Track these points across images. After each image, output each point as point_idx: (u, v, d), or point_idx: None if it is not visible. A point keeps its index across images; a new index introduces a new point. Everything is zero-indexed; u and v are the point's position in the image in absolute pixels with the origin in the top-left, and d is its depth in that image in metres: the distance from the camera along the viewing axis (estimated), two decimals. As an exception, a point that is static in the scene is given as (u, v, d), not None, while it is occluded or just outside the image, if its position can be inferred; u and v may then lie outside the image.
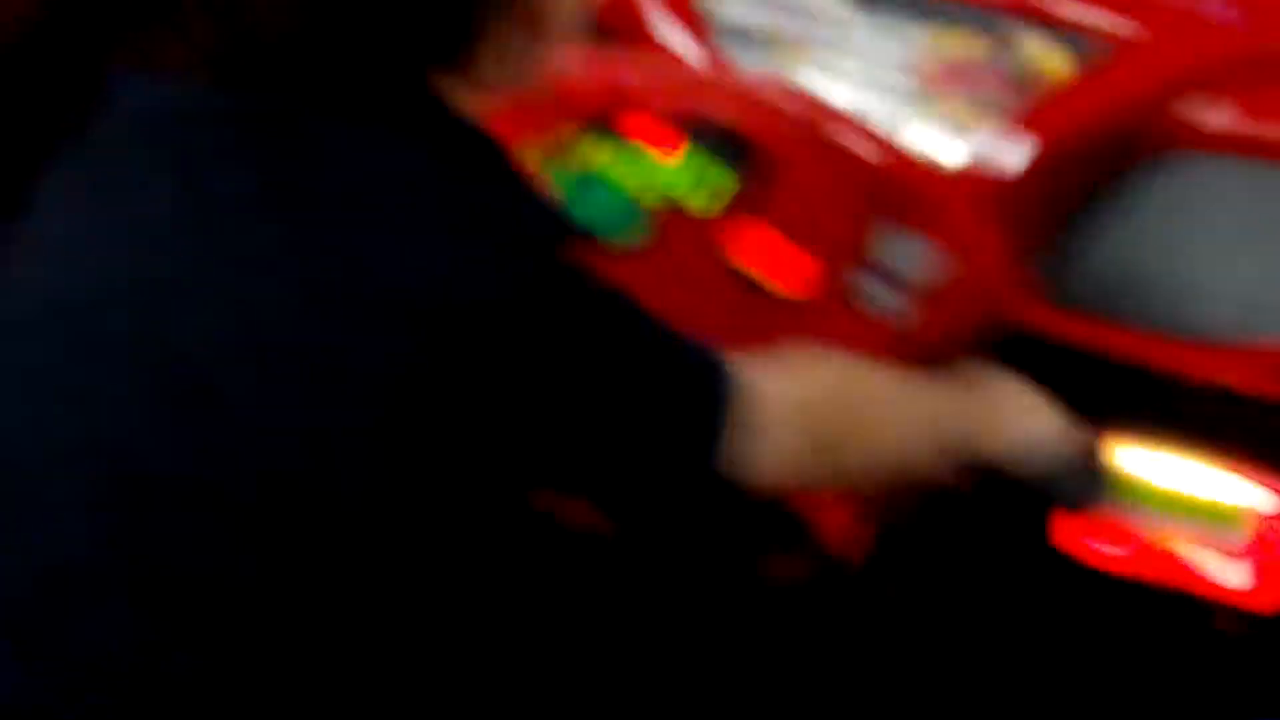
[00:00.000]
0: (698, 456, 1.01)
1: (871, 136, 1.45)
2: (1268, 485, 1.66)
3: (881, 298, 1.31)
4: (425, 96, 0.96)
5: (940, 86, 1.58)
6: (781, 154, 1.33)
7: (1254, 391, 1.58)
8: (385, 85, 0.94)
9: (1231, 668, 1.86)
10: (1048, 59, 1.58)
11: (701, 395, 1.01)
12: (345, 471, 0.90)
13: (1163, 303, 1.57)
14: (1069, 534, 1.64)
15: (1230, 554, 1.68)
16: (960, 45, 1.60)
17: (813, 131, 1.39)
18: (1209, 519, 1.68)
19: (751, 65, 1.58)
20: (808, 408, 1.07)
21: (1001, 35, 1.60)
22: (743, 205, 1.29)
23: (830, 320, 1.29)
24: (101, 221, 0.98)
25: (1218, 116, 1.59)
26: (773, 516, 1.41)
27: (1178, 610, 1.77)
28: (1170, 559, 1.69)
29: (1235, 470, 1.66)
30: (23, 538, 0.93)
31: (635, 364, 0.98)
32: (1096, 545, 1.71)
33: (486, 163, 0.97)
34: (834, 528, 1.49)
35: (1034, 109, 1.56)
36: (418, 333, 0.90)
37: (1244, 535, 1.67)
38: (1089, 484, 1.33)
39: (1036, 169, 1.54)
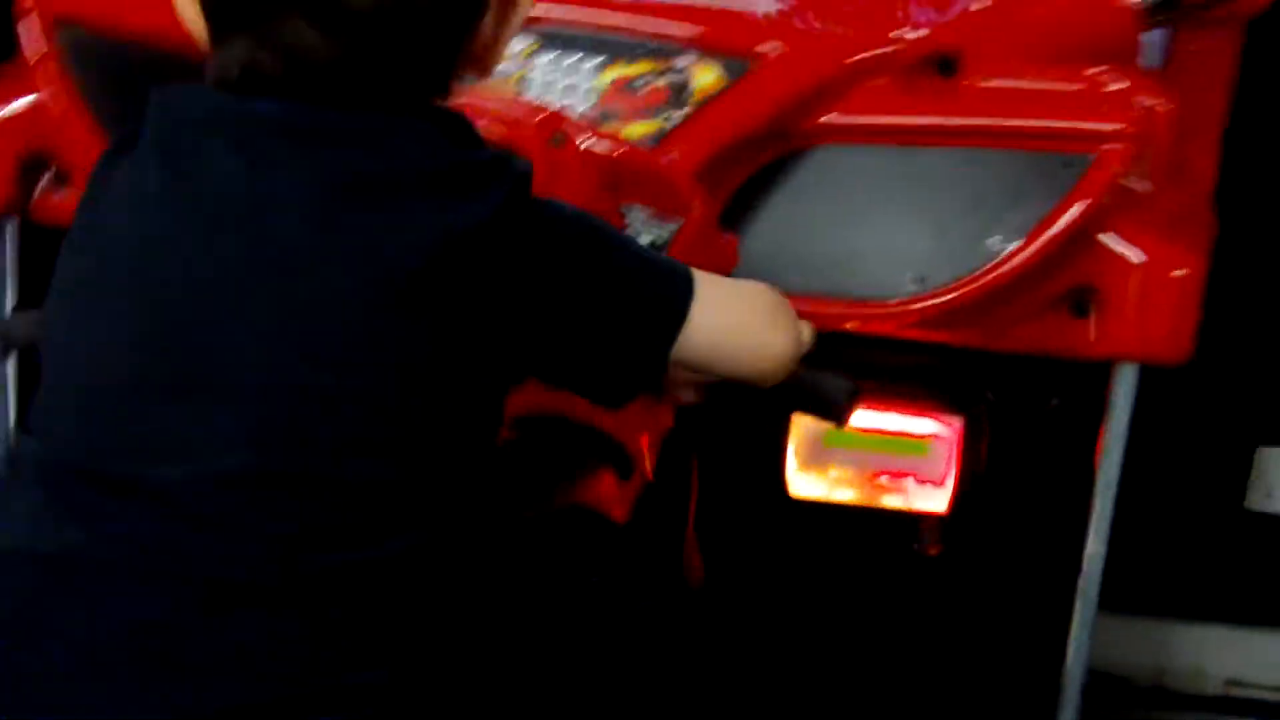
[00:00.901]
0: (663, 331, 1.28)
1: (605, 134, 1.67)
2: (936, 416, 1.93)
3: None
4: (423, 95, 1.25)
5: (613, 103, 1.82)
6: (537, 153, 1.54)
7: (911, 337, 1.85)
8: (400, 89, 1.22)
9: (934, 585, 2.11)
10: (703, 75, 1.85)
11: (660, 267, 1.30)
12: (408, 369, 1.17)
13: (821, 270, 1.81)
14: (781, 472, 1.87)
15: (922, 480, 1.94)
16: (628, 70, 1.85)
17: (561, 129, 1.61)
18: (899, 450, 1.94)
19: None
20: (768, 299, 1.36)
21: (664, 59, 1.84)
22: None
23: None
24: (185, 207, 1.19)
25: (849, 113, 1.86)
26: (586, 439, 1.61)
27: (885, 536, 2.02)
28: (873, 490, 1.94)
29: (910, 406, 1.93)
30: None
31: (606, 259, 1.27)
32: (806, 480, 1.95)
33: (467, 132, 1.25)
34: (642, 450, 1.70)
35: (695, 115, 1.80)
36: (437, 252, 1.17)
37: (930, 462, 1.93)
38: (841, 388, 1.48)
39: (703, 164, 1.76)
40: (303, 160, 1.17)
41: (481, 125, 1.36)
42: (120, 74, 1.92)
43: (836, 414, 1.48)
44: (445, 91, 1.27)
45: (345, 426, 1.15)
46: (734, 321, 1.33)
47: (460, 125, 1.25)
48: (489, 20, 1.27)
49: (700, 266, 1.53)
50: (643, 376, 1.29)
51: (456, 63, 1.26)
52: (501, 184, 1.21)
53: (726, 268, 1.64)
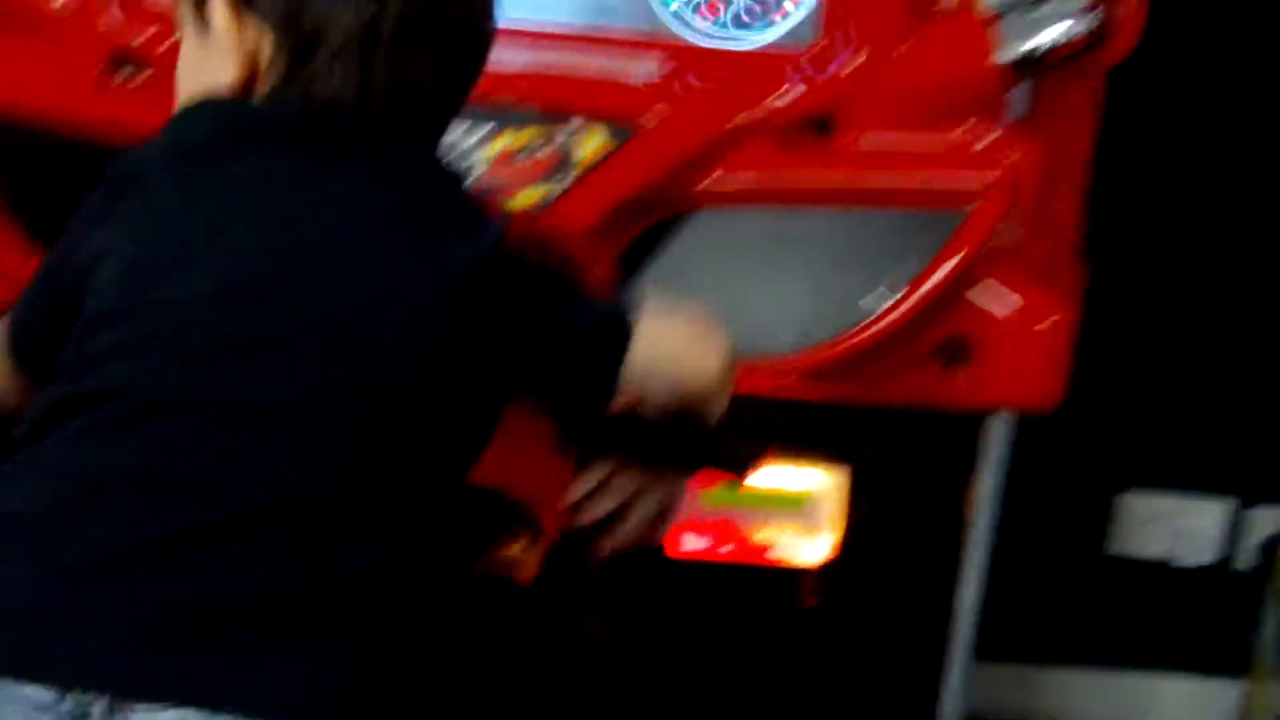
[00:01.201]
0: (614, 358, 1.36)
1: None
2: (817, 467, 1.97)
3: None
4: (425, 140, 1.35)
5: (501, 173, 1.85)
6: None
7: (789, 396, 1.90)
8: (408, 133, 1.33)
9: (816, 635, 2.15)
10: (588, 142, 1.89)
11: (616, 315, 1.38)
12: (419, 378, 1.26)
13: None
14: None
15: (805, 532, 1.98)
16: (516, 139, 1.89)
17: None
18: (781, 505, 1.98)
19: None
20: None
21: (550, 126, 1.88)
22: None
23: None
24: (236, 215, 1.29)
25: (729, 176, 1.91)
26: (502, 506, 1.64)
27: (766, 589, 2.06)
28: (755, 544, 1.98)
29: (792, 461, 1.98)
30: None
31: (570, 293, 1.36)
32: (691, 539, 1.98)
33: (461, 179, 1.36)
34: (551, 514, 1.72)
35: (580, 182, 1.85)
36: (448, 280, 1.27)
37: (809, 515, 1.97)
38: (747, 444, 1.54)
39: (589, 229, 1.82)
40: (357, 171, 1.29)
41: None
42: (10, 155, 1.93)
43: (739, 468, 1.52)
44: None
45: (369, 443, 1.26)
46: (666, 348, 1.41)
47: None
48: None
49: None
50: (606, 393, 1.38)
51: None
52: (496, 220, 1.34)
53: None
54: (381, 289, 1.26)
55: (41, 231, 1.89)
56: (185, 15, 1.36)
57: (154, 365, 1.25)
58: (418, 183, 1.32)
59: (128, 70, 1.91)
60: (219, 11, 1.33)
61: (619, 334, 1.36)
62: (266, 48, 1.31)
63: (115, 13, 1.91)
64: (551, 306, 1.34)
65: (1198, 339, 2.68)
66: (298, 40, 1.30)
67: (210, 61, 1.34)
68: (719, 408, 1.46)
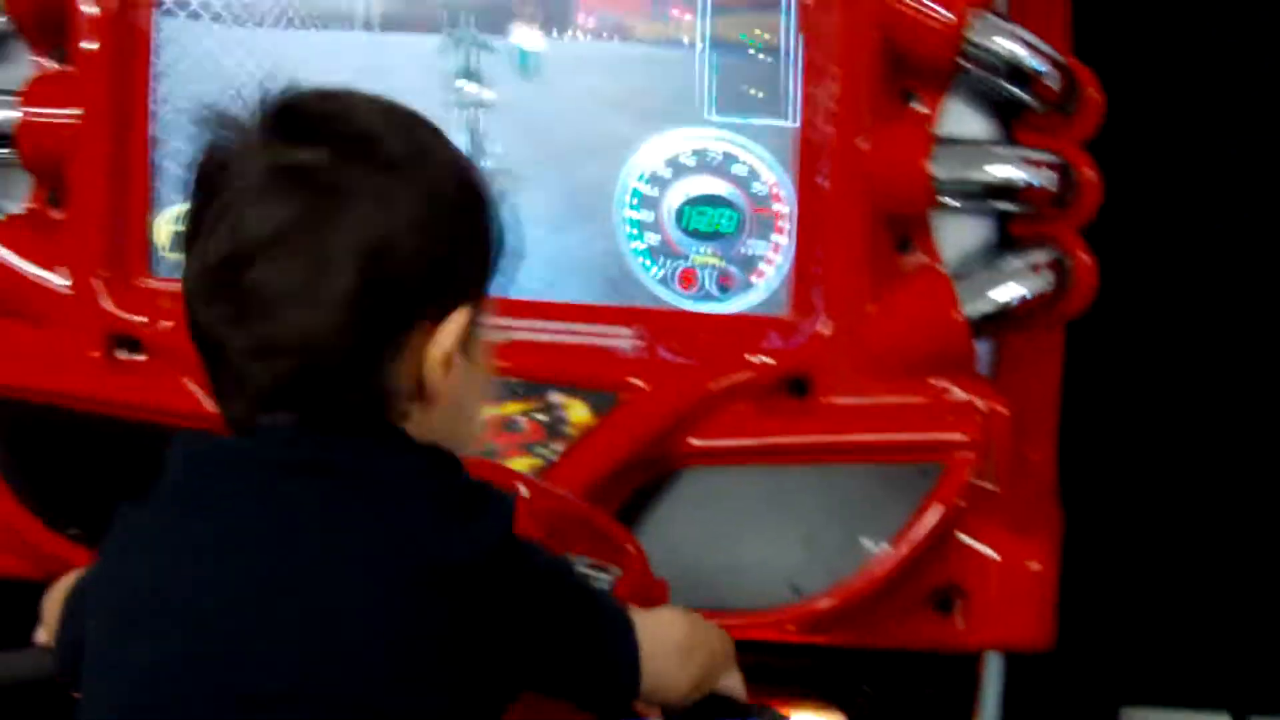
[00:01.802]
0: (620, 667, 1.37)
1: (545, 487, 1.78)
2: (816, 712, 2.02)
3: None
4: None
5: (494, 440, 1.93)
6: None
7: (798, 642, 1.96)
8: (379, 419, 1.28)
9: None
10: (574, 409, 1.98)
11: (617, 623, 1.38)
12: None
13: (700, 585, 1.88)
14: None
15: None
16: (502, 410, 1.96)
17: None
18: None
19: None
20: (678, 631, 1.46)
21: (535, 397, 1.97)
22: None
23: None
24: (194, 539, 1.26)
25: (713, 437, 2.00)
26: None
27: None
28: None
29: (791, 705, 2.02)
30: None
31: (573, 601, 1.35)
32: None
33: (452, 465, 1.30)
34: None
35: (572, 448, 1.94)
36: (429, 589, 1.23)
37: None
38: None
39: (583, 493, 1.87)
40: (309, 489, 1.25)
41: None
42: (19, 432, 2.04)
43: None
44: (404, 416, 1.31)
45: None
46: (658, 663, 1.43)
47: (442, 454, 1.31)
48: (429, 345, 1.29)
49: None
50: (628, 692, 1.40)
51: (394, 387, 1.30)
52: (492, 519, 1.29)
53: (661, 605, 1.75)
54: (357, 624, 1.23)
55: (45, 506, 2.00)
56: None
57: None
58: (373, 485, 1.28)
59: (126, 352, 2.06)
60: None
61: (627, 632, 1.38)
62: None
63: (109, 298, 2.05)
64: (556, 612, 1.33)
65: (1187, 556, 2.72)
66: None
67: None
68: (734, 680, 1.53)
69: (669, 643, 1.45)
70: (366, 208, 1.24)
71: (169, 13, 2.07)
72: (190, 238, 1.28)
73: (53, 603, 1.50)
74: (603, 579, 1.66)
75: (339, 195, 1.24)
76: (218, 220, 1.24)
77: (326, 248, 1.23)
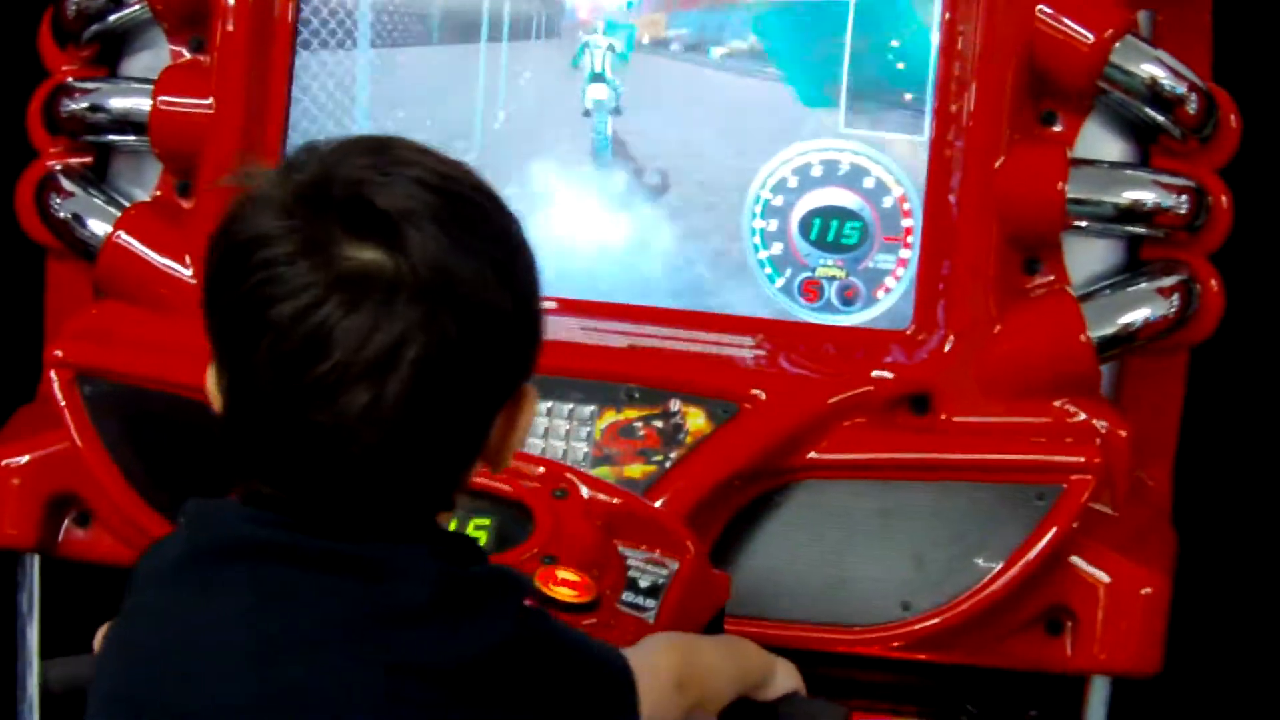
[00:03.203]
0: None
1: (604, 485, 1.78)
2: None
3: (635, 603, 1.63)
4: (425, 520, 1.26)
5: (611, 446, 1.94)
6: (540, 509, 1.66)
7: (906, 659, 1.95)
8: (402, 517, 1.24)
9: None
10: (693, 418, 1.98)
11: (621, 677, 1.34)
12: None
13: (810, 598, 1.92)
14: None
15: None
16: (621, 416, 1.96)
17: (565, 484, 1.72)
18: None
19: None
20: (670, 671, 1.44)
21: (656, 404, 1.97)
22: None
23: (604, 621, 1.58)
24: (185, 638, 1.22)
25: (831, 450, 1.98)
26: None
27: None
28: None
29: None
30: None
31: (586, 661, 1.31)
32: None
33: (469, 550, 1.28)
34: None
35: (689, 456, 1.93)
36: (452, 684, 1.20)
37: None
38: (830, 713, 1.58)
39: (698, 501, 1.89)
40: (311, 593, 1.21)
41: (489, 480, 1.47)
42: (139, 421, 2.05)
43: None
44: (450, 506, 1.29)
45: None
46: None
47: (462, 543, 1.29)
48: (497, 428, 1.27)
49: (696, 603, 1.63)
50: None
51: (463, 479, 1.28)
52: (504, 609, 1.25)
53: (720, 601, 1.75)
54: None
55: (159, 497, 2.01)
56: None
57: None
58: (386, 590, 1.22)
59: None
60: None
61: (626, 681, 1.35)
62: None
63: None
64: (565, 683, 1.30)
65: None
66: None
67: None
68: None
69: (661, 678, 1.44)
70: (447, 322, 1.19)
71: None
72: (246, 305, 1.20)
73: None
74: (660, 573, 1.67)
75: (431, 310, 1.18)
76: (297, 320, 1.17)
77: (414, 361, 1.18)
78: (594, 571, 1.59)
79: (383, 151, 1.24)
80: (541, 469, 1.73)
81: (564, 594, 1.56)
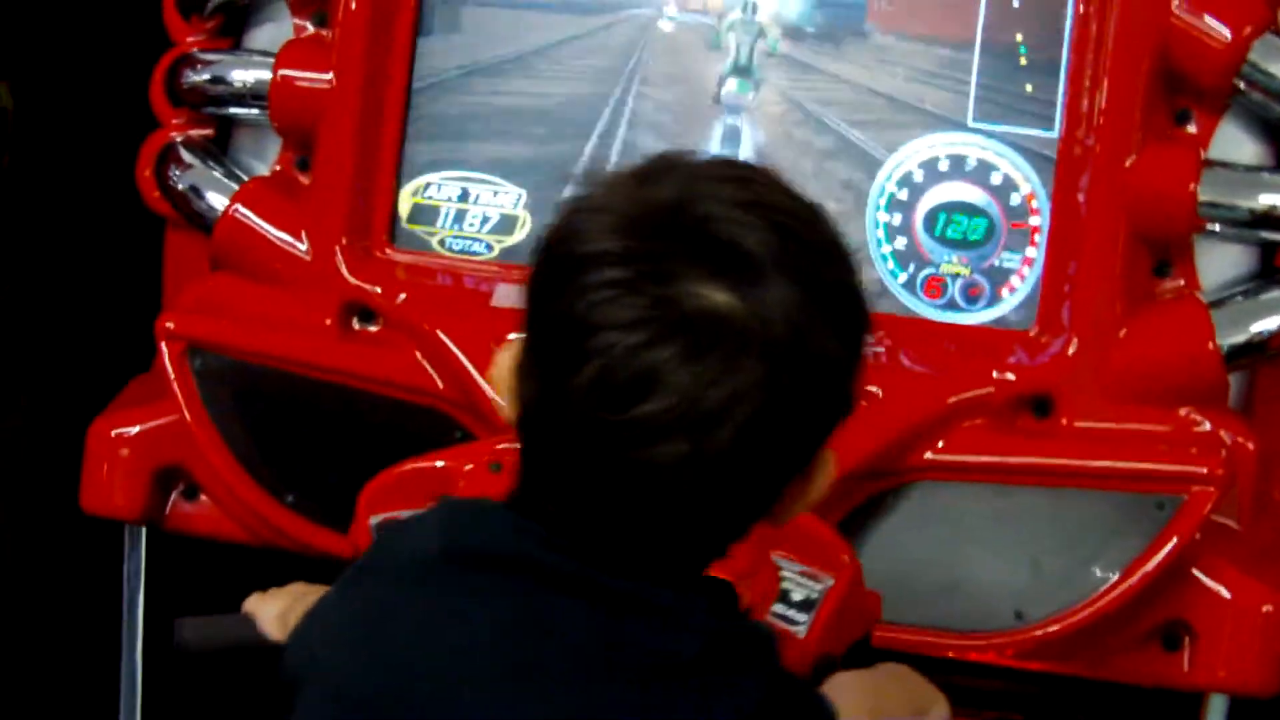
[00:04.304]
0: None
1: None
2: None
3: (786, 615, 1.61)
4: (702, 566, 1.20)
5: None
6: None
7: (1017, 667, 1.92)
8: (685, 562, 1.18)
9: None
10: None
11: None
12: None
13: (923, 601, 1.88)
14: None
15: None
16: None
17: None
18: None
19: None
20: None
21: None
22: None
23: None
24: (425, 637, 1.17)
25: (949, 452, 1.94)
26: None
27: None
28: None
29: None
30: None
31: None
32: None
33: (730, 601, 1.23)
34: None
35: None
36: None
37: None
38: None
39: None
40: (573, 626, 1.14)
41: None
42: (249, 396, 2.04)
43: None
44: (726, 555, 1.22)
45: None
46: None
47: (725, 594, 1.23)
48: (793, 485, 1.20)
49: (848, 621, 1.60)
50: None
51: (751, 532, 1.22)
52: (761, 667, 1.17)
53: (872, 620, 1.71)
54: None
55: (266, 472, 2.02)
56: None
57: None
58: (656, 636, 1.15)
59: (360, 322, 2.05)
60: None
61: None
62: None
63: (348, 266, 2.04)
64: None
65: None
66: None
67: None
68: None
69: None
70: (786, 383, 1.12)
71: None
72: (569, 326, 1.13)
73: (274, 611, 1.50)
74: (814, 587, 1.63)
75: (774, 369, 1.12)
76: (630, 355, 1.10)
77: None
78: (745, 579, 1.54)
79: (747, 184, 1.17)
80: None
81: None
